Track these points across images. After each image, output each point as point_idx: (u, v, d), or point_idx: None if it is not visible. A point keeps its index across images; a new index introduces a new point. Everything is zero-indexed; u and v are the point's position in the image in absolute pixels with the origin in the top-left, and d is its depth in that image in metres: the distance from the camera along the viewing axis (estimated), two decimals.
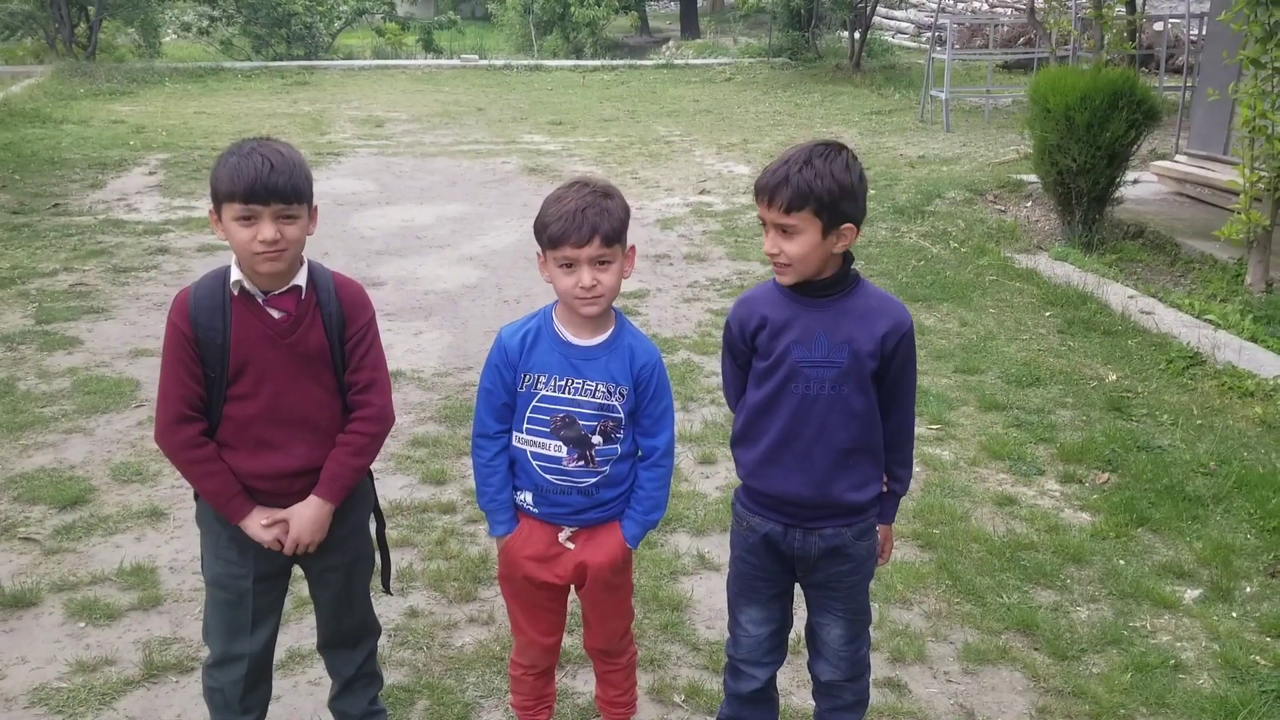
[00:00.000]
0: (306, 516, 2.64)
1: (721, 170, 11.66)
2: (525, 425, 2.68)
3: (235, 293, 2.55)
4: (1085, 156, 8.21)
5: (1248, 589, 3.98)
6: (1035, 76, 9.77)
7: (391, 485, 4.64)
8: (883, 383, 2.62)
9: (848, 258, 2.58)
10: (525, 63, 21.51)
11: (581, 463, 2.67)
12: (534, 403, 2.65)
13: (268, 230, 2.46)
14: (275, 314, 2.58)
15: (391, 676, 3.40)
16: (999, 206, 9.86)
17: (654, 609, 3.78)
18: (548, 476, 2.68)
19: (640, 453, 2.76)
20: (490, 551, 4.06)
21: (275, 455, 2.62)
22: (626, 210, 2.62)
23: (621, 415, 2.67)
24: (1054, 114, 8.32)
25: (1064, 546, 4.20)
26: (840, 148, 2.51)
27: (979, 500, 4.59)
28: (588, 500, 2.71)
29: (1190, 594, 3.95)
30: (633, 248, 2.66)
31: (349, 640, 2.92)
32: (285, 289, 2.58)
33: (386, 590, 3.06)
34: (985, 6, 22.34)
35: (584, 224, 2.51)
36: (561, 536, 2.74)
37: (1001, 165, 11.33)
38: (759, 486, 2.69)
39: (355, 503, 2.78)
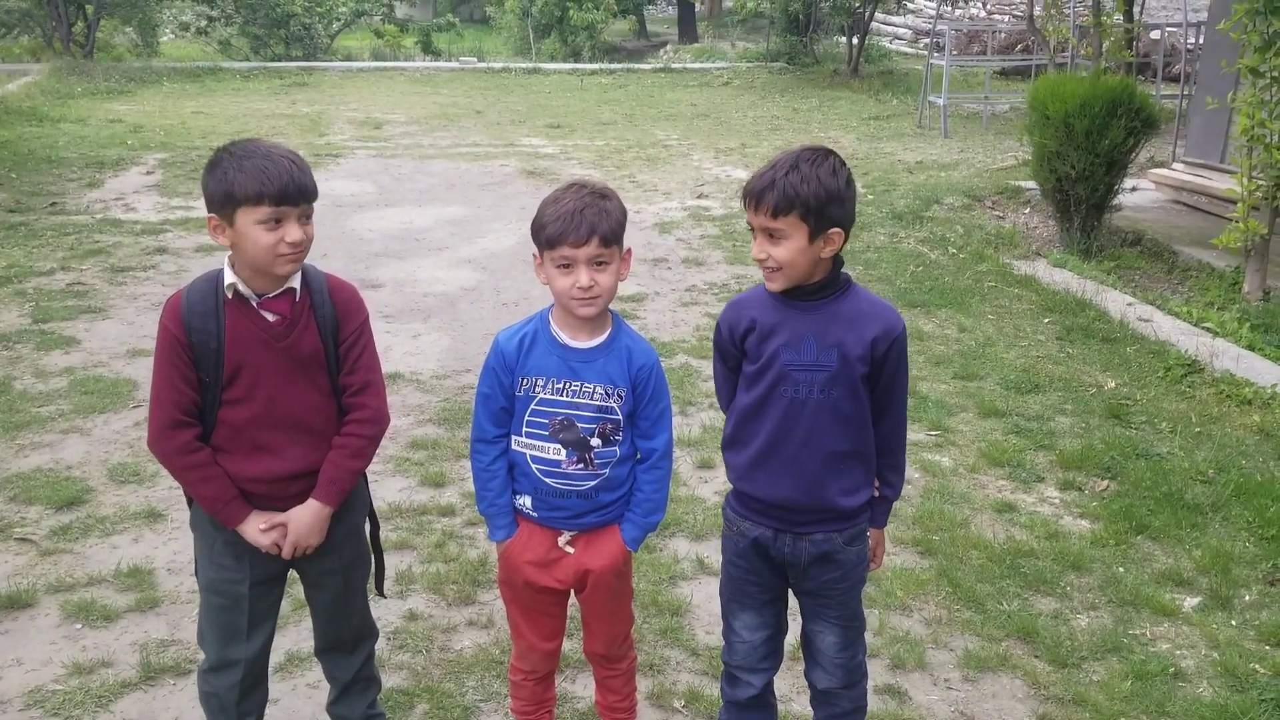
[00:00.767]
0: (305, 520, 2.62)
1: (719, 174, 11.66)
2: (524, 429, 2.67)
3: (229, 296, 2.53)
4: (1084, 163, 8.22)
5: (1247, 597, 3.98)
6: (1034, 83, 9.78)
7: (390, 487, 4.63)
8: (874, 387, 2.61)
9: (838, 261, 2.57)
10: (523, 65, 21.54)
11: (581, 465, 2.66)
12: (532, 406, 2.65)
13: (296, 232, 2.46)
14: (270, 317, 2.56)
15: (390, 680, 3.38)
16: (997, 213, 9.87)
17: (653, 614, 3.77)
18: (547, 480, 2.67)
19: (638, 455, 2.75)
20: (489, 555, 4.05)
21: (271, 459, 2.60)
22: (624, 212, 2.61)
23: (620, 417, 2.66)
24: (1053, 121, 8.34)
25: (1064, 554, 4.20)
26: (828, 153, 2.51)
27: (979, 507, 4.59)
28: (587, 504, 2.70)
29: (1190, 602, 3.94)
30: (629, 250, 2.65)
31: (347, 644, 2.91)
32: (280, 291, 2.56)
33: (380, 593, 3.05)
34: (983, 13, 22.39)
35: (582, 224, 2.50)
36: (561, 541, 2.73)
37: (1000, 171, 11.34)
38: (749, 490, 2.68)
39: (351, 506, 2.77)
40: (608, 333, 2.67)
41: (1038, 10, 14.26)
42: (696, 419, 5.37)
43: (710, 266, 8.15)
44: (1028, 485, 4.81)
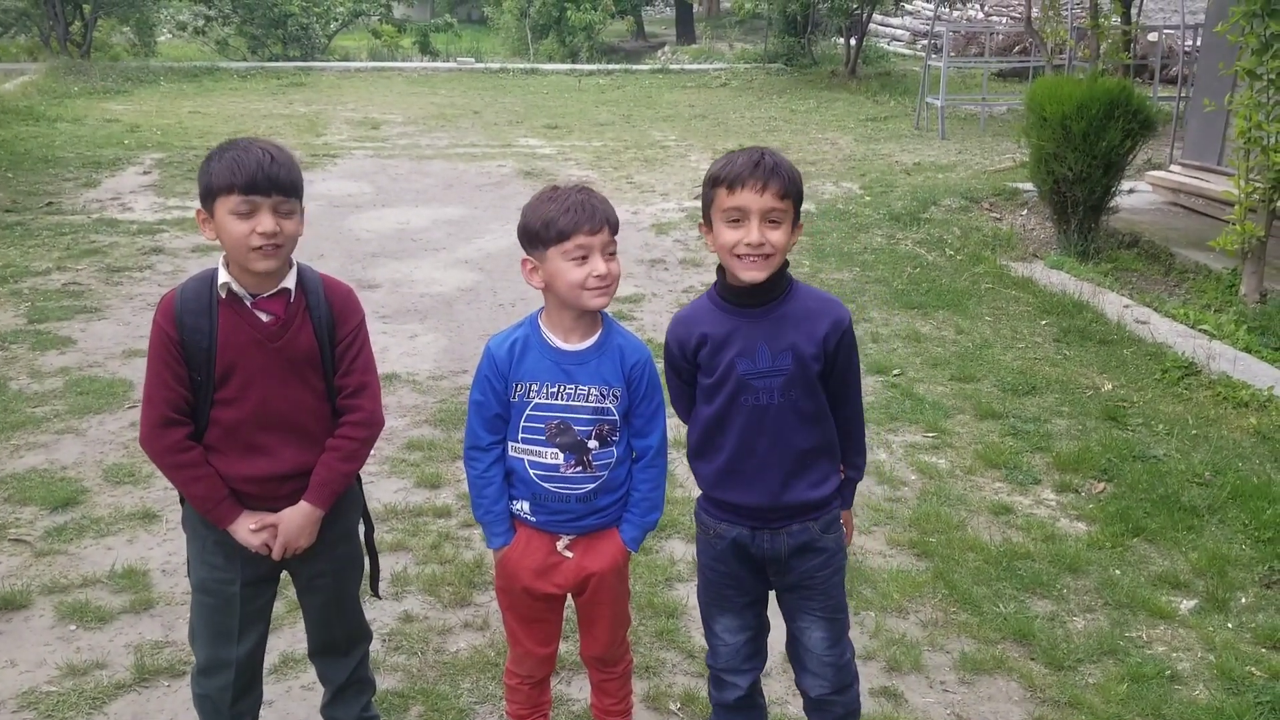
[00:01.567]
0: (296, 522, 2.61)
1: None
2: (520, 434, 2.65)
3: (223, 295, 2.52)
4: (1081, 165, 8.22)
5: (1243, 600, 3.98)
6: (1031, 85, 9.79)
7: (386, 489, 4.62)
8: (829, 380, 2.62)
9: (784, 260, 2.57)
10: (521, 66, 21.52)
11: (579, 468, 2.65)
12: (527, 411, 2.63)
13: (267, 222, 2.43)
14: (264, 317, 2.54)
15: (385, 682, 3.38)
16: (995, 214, 9.87)
17: (649, 616, 3.76)
18: (545, 485, 2.66)
19: (634, 454, 2.74)
20: (485, 556, 4.04)
21: (264, 459, 2.59)
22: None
23: (616, 417, 2.65)
24: (1050, 123, 8.34)
25: (1060, 556, 4.20)
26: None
27: (975, 509, 4.59)
28: (585, 507, 2.69)
29: (1186, 604, 3.94)
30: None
31: (340, 647, 2.89)
32: (274, 291, 2.55)
33: (376, 594, 3.04)
34: (981, 15, 22.40)
35: (595, 213, 2.52)
36: (560, 545, 2.72)
37: (997, 173, 11.34)
38: (722, 497, 2.69)
39: (344, 509, 2.76)
40: (599, 333, 2.66)
41: (1035, 12, 14.27)
42: None
43: (707, 267, 8.14)
44: (1024, 487, 4.81)
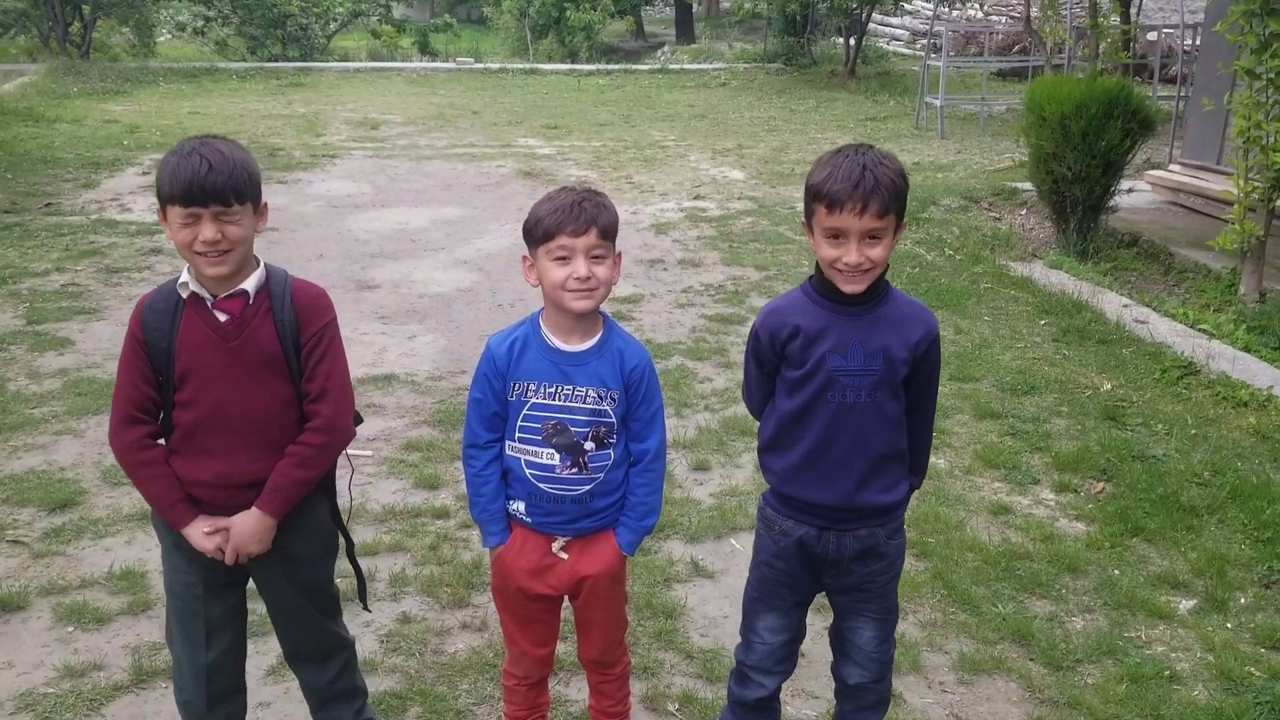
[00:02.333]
0: (247, 527, 2.54)
1: (716, 175, 11.65)
2: (517, 433, 2.65)
3: (184, 295, 2.50)
4: (1080, 165, 8.22)
5: (1242, 600, 3.98)
6: (1031, 85, 9.79)
7: (384, 489, 4.62)
8: (910, 386, 2.63)
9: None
10: (520, 66, 21.52)
11: (575, 470, 2.64)
12: (525, 410, 2.63)
13: (208, 230, 2.39)
14: (221, 317, 2.51)
15: (383, 683, 3.38)
16: (994, 214, 9.87)
17: (647, 617, 3.76)
18: (541, 485, 2.65)
19: (631, 457, 2.73)
20: (483, 557, 4.04)
21: (217, 463, 2.53)
22: (617, 214, 2.62)
23: (614, 420, 2.65)
24: (1050, 122, 8.34)
25: (1059, 556, 4.19)
26: (873, 146, 2.51)
27: (974, 509, 4.58)
28: (581, 509, 2.68)
29: (1185, 604, 3.94)
30: (619, 254, 2.64)
31: (311, 656, 2.84)
32: (232, 292, 2.51)
33: (365, 607, 3.03)
34: (980, 14, 22.40)
35: (581, 215, 2.51)
36: (555, 546, 2.72)
37: (996, 173, 11.34)
38: (793, 493, 2.67)
39: (308, 532, 2.68)
40: (599, 335, 2.66)
41: (1035, 11, 14.27)
42: (692, 421, 5.36)
43: (707, 268, 8.14)
44: (1023, 487, 4.80)
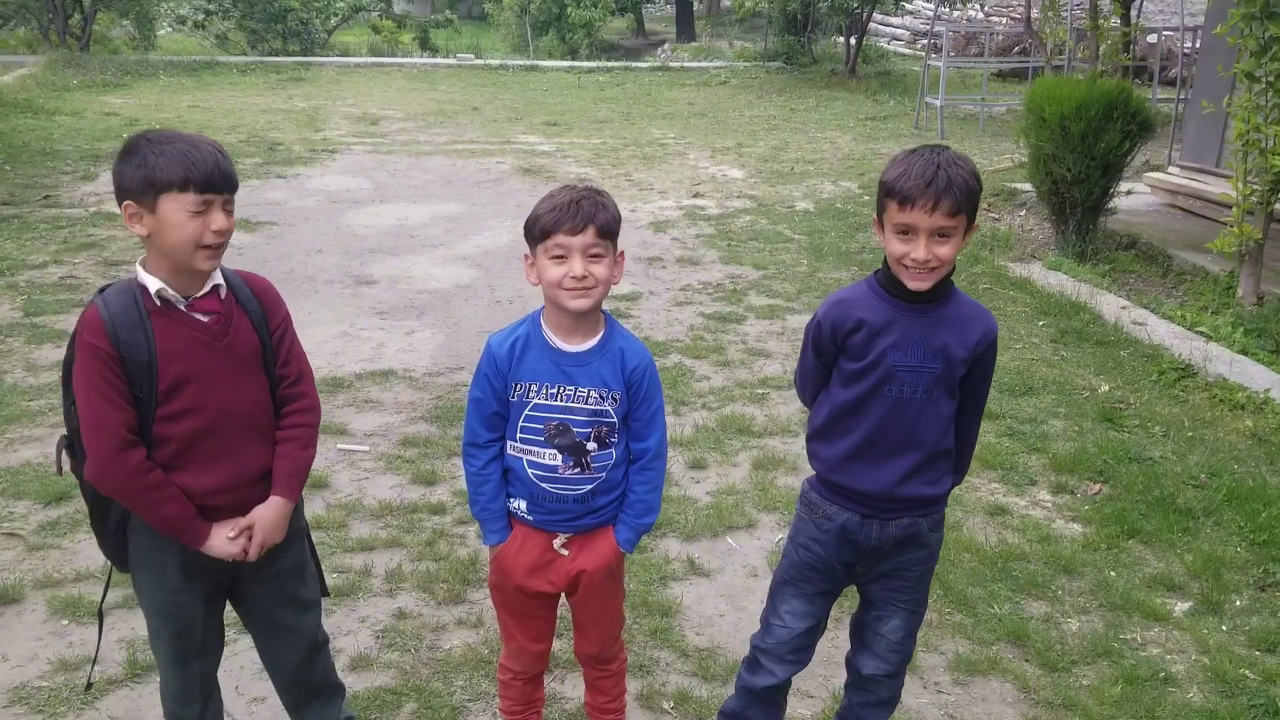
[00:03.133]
0: (271, 517, 2.52)
1: (715, 174, 11.65)
2: (519, 434, 2.63)
3: (157, 304, 2.37)
4: (1080, 166, 8.22)
5: (1238, 602, 3.98)
6: (1031, 86, 9.79)
7: (381, 485, 4.61)
8: (963, 385, 2.64)
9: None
10: (521, 63, 21.51)
11: (578, 470, 2.63)
12: (526, 411, 2.61)
13: (221, 219, 2.35)
14: (203, 318, 2.43)
15: (378, 679, 3.37)
16: (993, 215, 9.87)
17: (643, 615, 3.75)
18: (543, 485, 2.64)
19: (631, 455, 2.73)
20: (480, 553, 4.04)
21: (231, 465, 2.48)
22: (619, 213, 2.59)
23: (615, 420, 2.64)
24: (1049, 123, 8.34)
25: (1055, 557, 4.19)
26: (949, 146, 2.52)
27: (971, 510, 4.58)
28: (583, 507, 2.67)
29: (1180, 607, 3.94)
30: (622, 254, 2.62)
31: (314, 680, 2.86)
32: (206, 291, 2.44)
33: (324, 592, 2.92)
34: (981, 15, 22.39)
35: (578, 213, 2.49)
36: (556, 544, 2.71)
37: (996, 173, 11.34)
38: (839, 481, 2.68)
39: (296, 529, 2.68)
40: (600, 334, 2.64)
41: (1035, 13, 14.27)
42: (689, 419, 5.36)
43: (705, 266, 8.14)
44: (1020, 488, 4.80)
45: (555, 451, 2.61)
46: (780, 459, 4.94)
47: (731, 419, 5.33)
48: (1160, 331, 6.69)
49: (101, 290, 2.41)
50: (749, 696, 2.92)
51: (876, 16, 22.62)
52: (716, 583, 4.01)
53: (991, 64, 18.00)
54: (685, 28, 29.99)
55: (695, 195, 10.55)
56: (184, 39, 24.37)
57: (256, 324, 2.53)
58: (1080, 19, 12.46)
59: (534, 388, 2.60)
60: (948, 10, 20.50)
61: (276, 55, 21.13)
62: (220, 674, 3.27)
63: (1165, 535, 4.39)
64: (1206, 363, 6.09)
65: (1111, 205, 8.72)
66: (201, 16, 23.22)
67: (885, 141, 13.71)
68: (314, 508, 4.39)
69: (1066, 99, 8.24)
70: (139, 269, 2.40)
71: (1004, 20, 21.41)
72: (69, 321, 6.43)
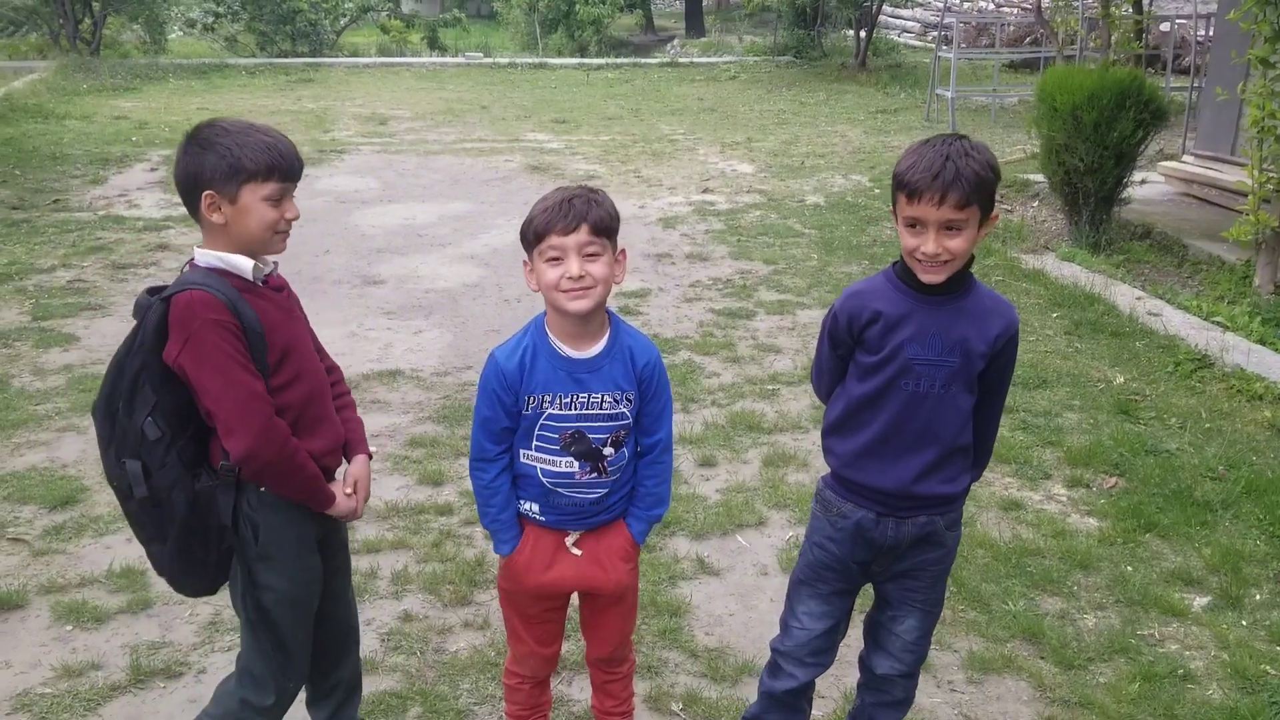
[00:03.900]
0: (366, 474, 2.68)
1: (725, 169, 11.58)
2: (534, 443, 2.56)
3: (259, 282, 2.46)
4: (1093, 156, 8.13)
5: (1257, 596, 3.91)
6: (1042, 75, 9.70)
7: (388, 486, 4.58)
8: (983, 379, 2.58)
9: (970, 256, 2.50)
10: (529, 61, 21.45)
11: (595, 475, 2.58)
12: (542, 421, 2.54)
13: (293, 208, 2.47)
14: (277, 293, 2.54)
15: (383, 682, 3.34)
16: (1005, 206, 9.78)
17: (651, 615, 3.71)
18: (559, 490, 2.59)
19: (640, 449, 2.67)
20: (487, 553, 4.00)
21: (330, 428, 2.60)
22: (616, 211, 2.51)
23: (630, 420, 2.58)
24: (1061, 113, 8.24)
25: (1071, 552, 4.13)
26: (968, 137, 2.45)
27: (984, 504, 4.52)
28: (597, 507, 2.63)
29: (1199, 602, 3.87)
30: (624, 252, 2.55)
31: (351, 640, 2.89)
32: (270, 269, 2.53)
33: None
34: (991, 6, 22.26)
35: (570, 212, 2.42)
36: (568, 541, 2.65)
37: (1008, 165, 11.23)
38: (855, 478, 2.63)
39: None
40: (607, 336, 2.57)
41: (1046, 2, 14.15)
42: (699, 415, 5.31)
43: (715, 262, 8.08)
44: (1034, 482, 4.74)
45: (571, 459, 2.56)
46: (791, 455, 4.89)
47: (741, 415, 5.27)
48: (1176, 322, 6.61)
49: (180, 284, 2.38)
50: (770, 701, 2.87)
51: (886, 9, 22.49)
52: (726, 582, 3.96)
53: (1003, 55, 17.86)
54: (694, 23, 29.89)
55: (705, 191, 10.49)
56: (194, 42, 24.42)
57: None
58: (1092, 8, 12.34)
59: (548, 398, 2.53)
60: (958, 2, 20.36)
61: (285, 57, 21.12)
62: (222, 679, 3.25)
63: (1183, 529, 4.32)
64: (1223, 353, 6.00)
65: (1125, 195, 8.62)
66: (211, 19, 23.24)
67: (896, 134, 13.62)
68: None
69: (1079, 88, 8.14)
70: (210, 254, 2.42)
71: (1015, 11, 21.26)
72: (76, 325, 6.43)
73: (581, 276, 2.42)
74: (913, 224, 2.41)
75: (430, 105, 16.02)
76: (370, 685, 3.32)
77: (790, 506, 4.45)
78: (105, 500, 4.41)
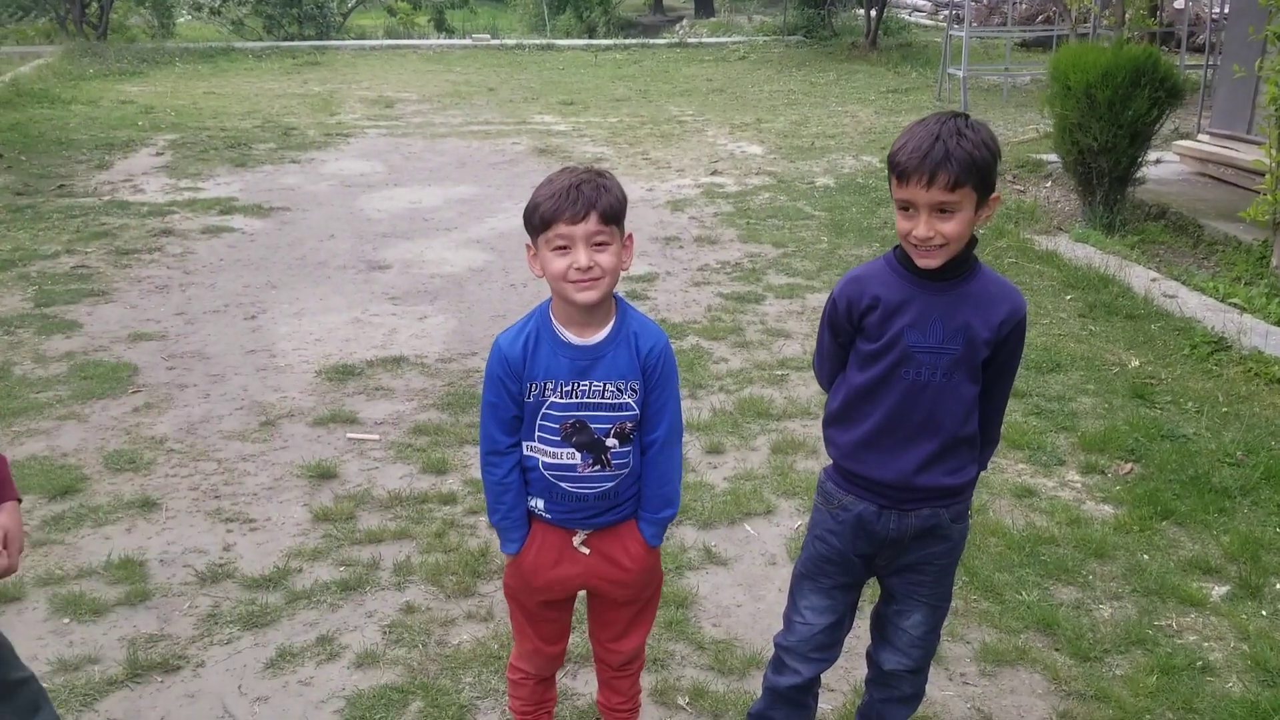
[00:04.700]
0: (16, 523, 2.49)
1: (734, 151, 11.47)
2: (536, 434, 2.49)
3: None
4: (1107, 135, 8.00)
5: (1278, 585, 3.82)
6: (1055, 54, 9.55)
7: (391, 475, 4.52)
8: (988, 367, 2.49)
9: (972, 239, 2.41)
10: (537, 42, 21.34)
11: (597, 467, 2.49)
12: (543, 410, 2.46)
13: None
14: None
15: (384, 676, 3.28)
16: (1018, 187, 9.66)
17: (658, 605, 3.63)
18: (562, 484, 2.50)
19: (641, 446, 2.57)
20: (491, 544, 3.94)
21: None
22: (624, 194, 2.42)
23: (637, 412, 2.49)
24: (1075, 92, 8.11)
25: (1086, 541, 4.05)
26: (967, 115, 2.36)
27: (997, 492, 4.44)
28: (604, 503, 2.54)
29: (1218, 591, 3.79)
30: (630, 236, 2.45)
31: None
32: None
33: None
34: None
35: (579, 199, 2.32)
36: (576, 541, 2.57)
37: (1021, 144, 11.11)
38: (856, 469, 2.55)
39: None
40: (613, 323, 2.48)
41: None
42: (707, 402, 5.23)
43: (723, 245, 7.99)
44: (1048, 469, 4.65)
45: (573, 450, 2.47)
46: (800, 442, 4.81)
47: (750, 402, 5.19)
48: (1192, 304, 6.50)
49: None
50: (774, 697, 2.80)
51: None
52: (734, 571, 3.89)
53: (1015, 33, 17.68)
54: (704, 3, 29.71)
55: (713, 173, 10.39)
56: (201, 26, 24.35)
57: None
58: None
59: (549, 386, 2.44)
60: None
61: (292, 40, 21.05)
62: (221, 673, 3.22)
63: (1200, 516, 4.23)
64: (1241, 335, 5.90)
65: (1140, 175, 8.49)
66: (218, 3, 23.16)
67: (907, 114, 13.48)
68: (321, 499, 4.31)
69: (1092, 66, 8.01)
70: None
71: None
72: (79, 312, 6.38)
73: (590, 268, 2.33)
74: (905, 207, 2.33)
75: (437, 88, 15.93)
76: (371, 680, 3.26)
77: (799, 494, 4.37)
78: (105, 489, 4.37)
